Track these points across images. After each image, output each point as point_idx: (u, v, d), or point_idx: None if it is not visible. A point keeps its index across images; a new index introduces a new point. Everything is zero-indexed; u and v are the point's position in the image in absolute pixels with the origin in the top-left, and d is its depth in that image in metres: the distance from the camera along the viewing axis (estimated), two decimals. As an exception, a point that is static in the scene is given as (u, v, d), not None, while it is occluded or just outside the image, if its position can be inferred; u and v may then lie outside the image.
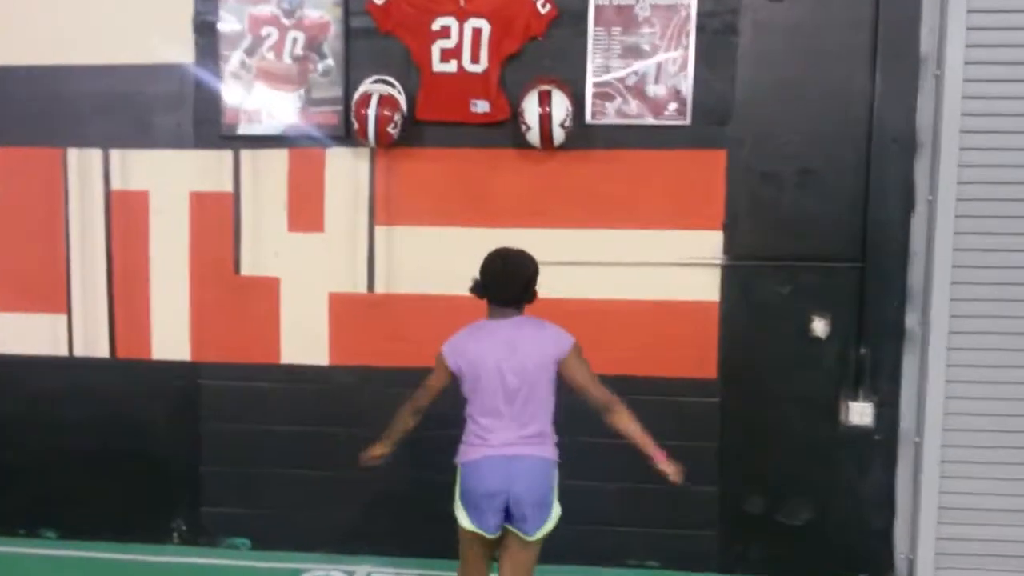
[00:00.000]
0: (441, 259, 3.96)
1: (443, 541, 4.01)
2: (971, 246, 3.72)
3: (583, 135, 3.83)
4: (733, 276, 3.87)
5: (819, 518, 3.95)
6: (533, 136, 3.70)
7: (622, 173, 3.87)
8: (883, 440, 3.89)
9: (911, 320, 3.83)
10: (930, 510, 3.84)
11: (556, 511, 2.95)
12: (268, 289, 4.06)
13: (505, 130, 3.86)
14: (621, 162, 3.86)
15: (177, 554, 4.15)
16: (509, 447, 2.90)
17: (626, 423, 2.95)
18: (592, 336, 3.68)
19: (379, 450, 3.25)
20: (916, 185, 3.77)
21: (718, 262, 3.85)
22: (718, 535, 3.97)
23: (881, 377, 3.86)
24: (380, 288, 4.00)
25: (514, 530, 2.92)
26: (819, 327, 3.84)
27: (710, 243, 3.85)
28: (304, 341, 4.07)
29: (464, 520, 2.99)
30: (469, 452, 3.02)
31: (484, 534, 2.94)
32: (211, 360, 4.13)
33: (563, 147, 3.78)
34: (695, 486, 3.92)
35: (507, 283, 2.98)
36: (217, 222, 4.06)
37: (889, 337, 3.85)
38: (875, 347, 3.84)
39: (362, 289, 4.00)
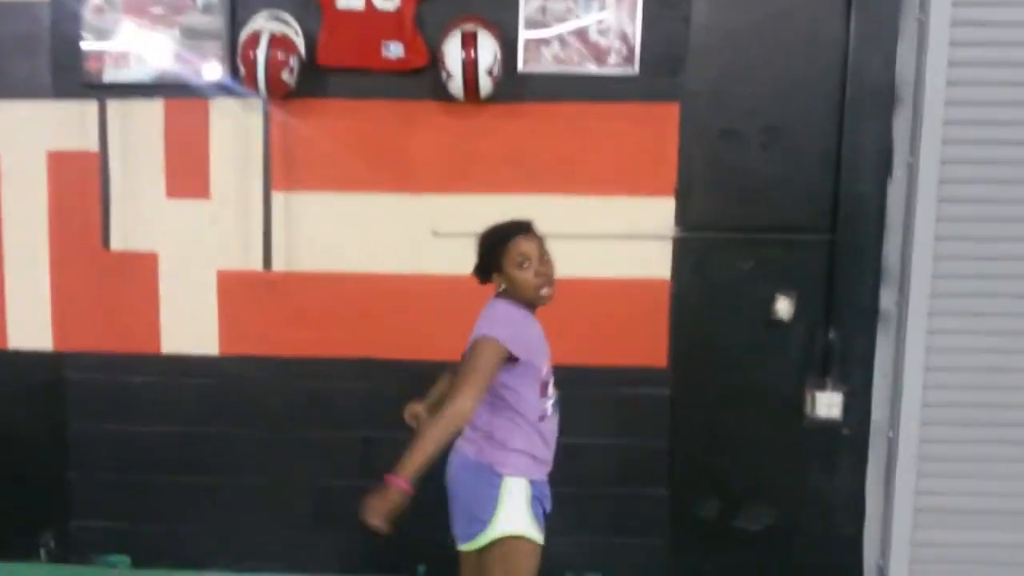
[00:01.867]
0: (350, 231, 3.50)
1: (350, 557, 3.63)
2: (956, 216, 3.35)
3: (514, 86, 3.37)
4: (686, 250, 3.47)
5: (781, 523, 3.60)
6: (455, 85, 3.22)
7: (559, 130, 3.43)
8: (853, 434, 3.55)
9: (886, 300, 3.47)
10: (904, 512, 3.51)
11: (499, 529, 2.47)
12: (144, 266, 3.54)
13: (423, 79, 3.38)
14: (558, 117, 3.42)
15: (45, 574, 3.66)
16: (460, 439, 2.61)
17: (426, 425, 2.44)
18: None
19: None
20: (895, 146, 3.40)
21: (669, 234, 3.44)
22: (668, 544, 3.60)
23: (851, 364, 3.51)
24: (279, 265, 3.50)
25: None
26: (783, 308, 3.45)
27: (660, 212, 3.43)
28: (189, 327, 3.57)
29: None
30: None
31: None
32: (78, 349, 3.60)
33: (491, 99, 3.33)
34: (643, 488, 3.59)
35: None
36: (81, 188, 3.51)
37: (861, 319, 3.49)
38: (845, 330, 3.48)
39: (257, 266, 3.50)
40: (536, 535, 2.49)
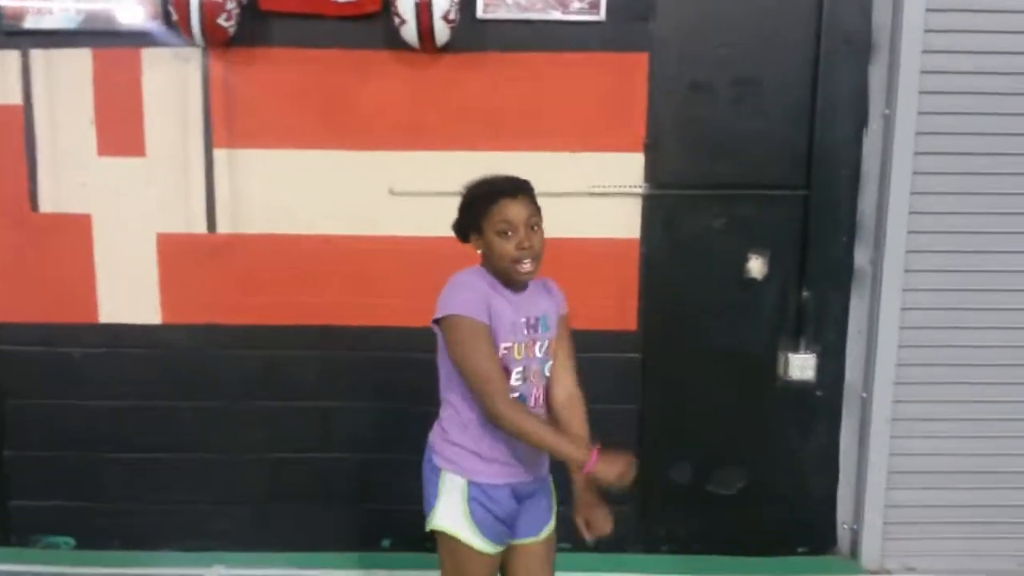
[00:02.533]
0: (300, 190, 3.30)
1: (310, 532, 3.49)
2: (933, 168, 3.25)
3: (473, 33, 3.18)
4: (656, 208, 3.32)
5: (753, 487, 3.52)
6: (409, 32, 3.01)
7: (521, 82, 3.23)
8: (826, 396, 3.47)
9: (861, 257, 3.37)
10: (878, 473, 3.45)
11: (435, 522, 2.26)
12: (77, 229, 3.30)
13: (375, 25, 3.16)
14: (520, 68, 3.22)
15: (-18, 559, 3.45)
16: None
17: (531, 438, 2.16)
18: None
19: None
20: (871, 97, 3.27)
21: (638, 191, 3.29)
22: (639, 510, 3.50)
23: (825, 324, 3.42)
24: (223, 227, 3.29)
25: None
26: (756, 267, 3.34)
27: (628, 168, 3.28)
28: (127, 295, 3.34)
29: None
30: None
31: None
32: (8, 320, 3.37)
33: (448, 48, 3.13)
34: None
35: None
36: (5, 145, 3.25)
37: (835, 277, 3.40)
38: (819, 289, 3.38)
39: (200, 229, 3.28)
40: (475, 540, 2.19)
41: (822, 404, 3.46)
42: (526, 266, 2.14)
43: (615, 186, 3.28)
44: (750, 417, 3.48)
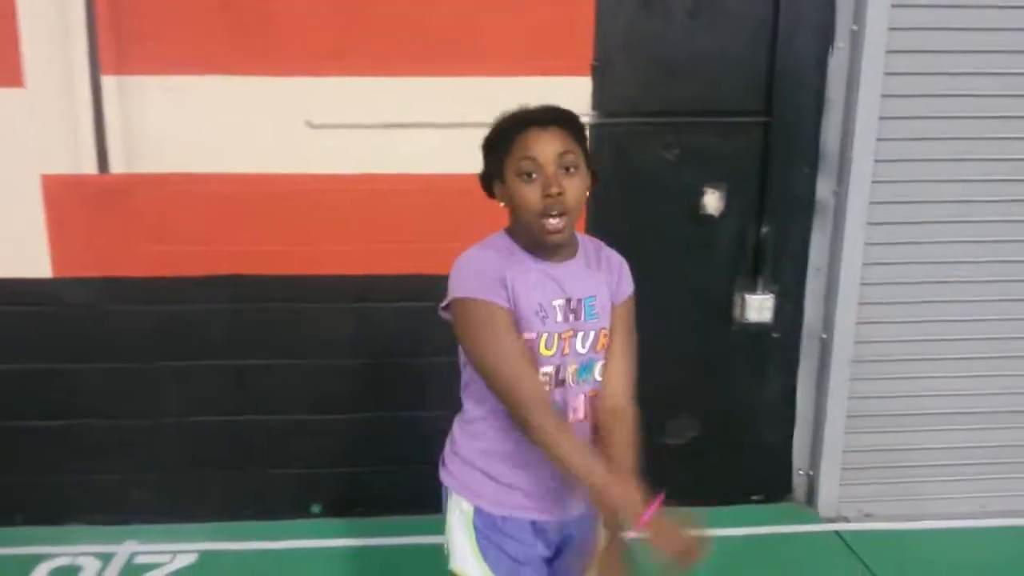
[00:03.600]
0: (204, 123, 2.94)
1: (232, 501, 3.21)
2: (903, 90, 3.04)
3: (401, -59, 2.83)
4: (605, 138, 3.05)
5: (707, 436, 3.37)
6: (323, -63, 2.63)
7: (454, -3, 2.91)
8: (783, 338, 3.30)
9: (823, 189, 3.17)
10: (836, 418, 3.32)
11: (448, 554, 1.78)
12: (-54, 172, 2.91)
13: (287, -69, 2.80)
14: (453, -19, 2.90)
15: None
16: None
17: (557, 451, 1.63)
18: (418, 223, 2.99)
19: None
20: (837, 10, 3.03)
21: (585, 119, 2.95)
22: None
23: (784, 262, 3.24)
24: (118, 167, 2.92)
25: None
26: (712, 202, 3.11)
27: (574, 94, 2.98)
28: (10, 245, 2.98)
29: None
30: None
31: None
32: None
33: (371, -43, 2.78)
34: None
35: None
36: None
37: (795, 212, 3.20)
38: (778, 225, 3.18)
39: (90, 169, 2.90)
40: None
41: (779, 347, 3.31)
42: (554, 222, 1.58)
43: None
44: (705, 362, 3.30)
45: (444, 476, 1.78)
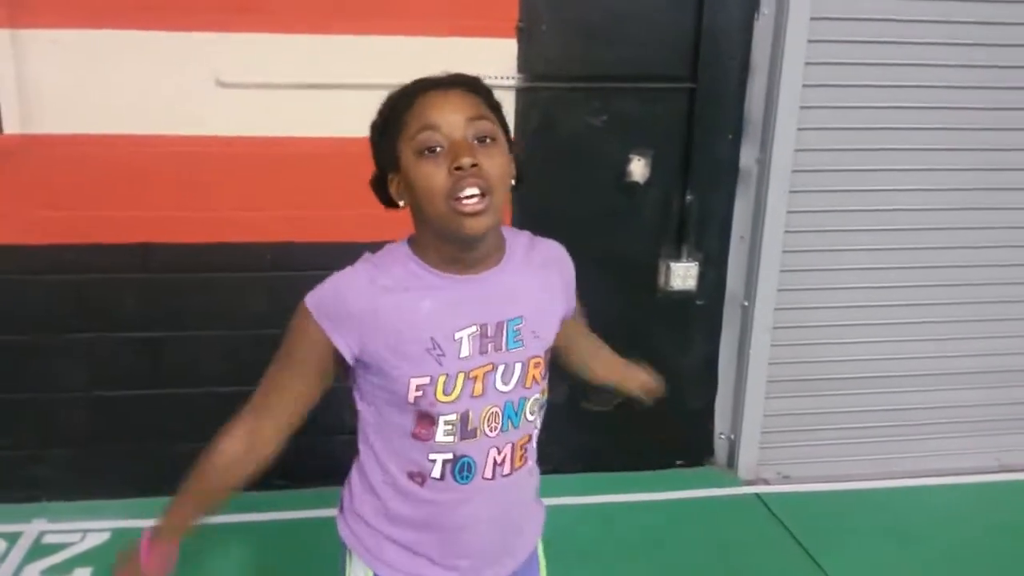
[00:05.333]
0: (106, 81, 2.75)
1: (148, 475, 3.08)
2: (826, 57, 3.03)
3: None
4: (531, 102, 2.97)
5: (629, 402, 3.32)
6: None
7: (373, -51, 2.78)
8: (706, 306, 3.32)
9: (747, 156, 3.16)
10: (757, 383, 3.36)
11: None
12: None
13: None
14: (371, -69, 2.76)
15: None
16: None
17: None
18: (336, 188, 2.83)
19: None
20: (763, -24, 3.01)
21: (510, 83, 2.92)
22: (507, 432, 3.26)
23: (708, 230, 3.23)
24: (12, 127, 2.72)
25: None
26: (637, 169, 3.07)
27: (499, 56, 2.90)
28: None
29: None
30: None
31: None
32: None
33: (282, -97, 2.62)
34: None
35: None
36: None
37: (720, 179, 3.19)
38: (703, 193, 3.17)
39: (-19, 129, 2.71)
40: None
41: (703, 314, 3.32)
42: (471, 201, 1.21)
43: (484, 77, 2.87)
44: (629, 330, 3.18)
45: (342, 531, 1.46)
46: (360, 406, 1.38)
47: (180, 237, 2.89)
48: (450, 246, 1.28)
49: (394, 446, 1.35)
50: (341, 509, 1.48)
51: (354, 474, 1.46)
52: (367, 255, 1.35)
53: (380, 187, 1.34)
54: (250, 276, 2.93)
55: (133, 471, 3.10)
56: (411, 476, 1.34)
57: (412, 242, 1.34)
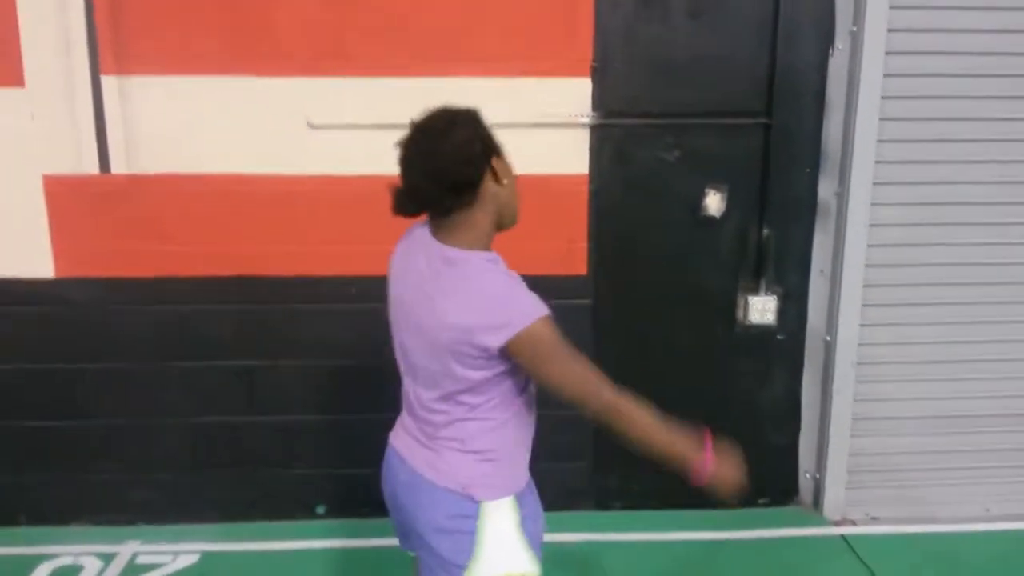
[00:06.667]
0: (205, 124, 2.98)
1: (235, 501, 3.22)
2: (903, 92, 3.05)
3: (395, -61, 2.88)
4: (606, 139, 3.07)
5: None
6: (322, -61, 2.64)
7: (452, -3, 2.95)
8: (787, 340, 3.30)
9: (825, 190, 3.17)
10: (842, 421, 3.32)
11: (485, 570, 1.72)
12: (-51, 172, 2.96)
13: (283, -70, 2.84)
14: (451, -19, 2.93)
15: None
16: (407, 442, 1.84)
17: (638, 430, 1.77)
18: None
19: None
20: (837, 12, 3.03)
21: (585, 121, 3.01)
22: (591, 466, 3.33)
23: (787, 264, 3.24)
24: (119, 167, 2.96)
25: None
26: (713, 204, 3.11)
27: (574, 95, 3.01)
28: (13, 246, 3.02)
29: None
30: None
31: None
32: None
33: (369, -41, 2.82)
34: (564, 409, 3.25)
35: (411, 170, 1.66)
36: None
37: (798, 213, 3.20)
38: (780, 227, 3.19)
39: (92, 169, 2.94)
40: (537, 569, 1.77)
41: (783, 349, 3.31)
42: None
43: (560, 116, 3.00)
44: (708, 364, 3.30)
45: (477, 493, 1.71)
46: (504, 386, 1.69)
47: (272, 270, 3.06)
48: (494, 235, 1.73)
49: (518, 401, 1.74)
50: (460, 489, 1.72)
51: (462, 442, 1.72)
52: (488, 264, 1.67)
53: (453, 198, 1.64)
54: (337, 307, 3.07)
55: (223, 497, 3.25)
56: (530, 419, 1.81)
57: (486, 245, 1.71)
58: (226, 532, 3.20)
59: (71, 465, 3.19)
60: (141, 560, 3.04)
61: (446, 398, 1.70)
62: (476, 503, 1.71)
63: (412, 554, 1.88)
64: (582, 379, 1.66)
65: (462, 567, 1.70)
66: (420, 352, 1.70)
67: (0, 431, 3.15)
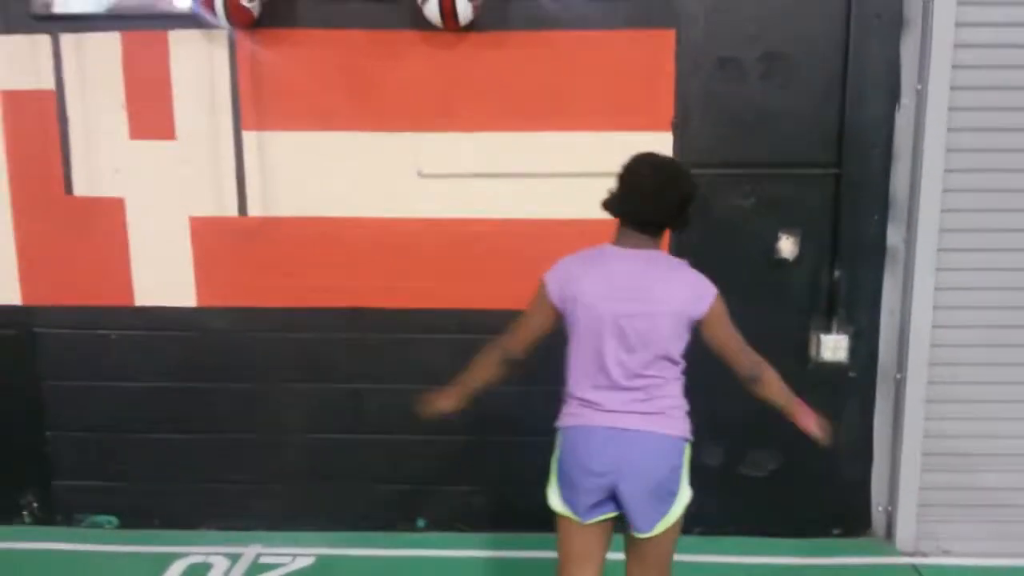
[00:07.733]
0: (329, 173, 3.37)
1: (345, 512, 3.54)
2: (966, 146, 3.24)
3: (498, 12, 3.22)
4: (685, 187, 3.28)
5: (786, 469, 3.54)
6: (432, 10, 3.07)
7: (547, 61, 3.27)
8: (859, 377, 3.48)
9: (893, 236, 3.37)
10: (912, 456, 3.46)
11: (684, 497, 2.38)
12: (110, 212, 3.40)
13: (401, 5, 3.22)
14: (546, 46, 3.26)
15: (29, 537, 3.57)
16: (621, 417, 2.30)
17: (775, 392, 2.55)
18: (514, 263, 3.29)
19: (446, 402, 2.55)
20: (903, 71, 3.25)
21: (667, 170, 3.25)
22: (669, 492, 3.48)
23: (858, 304, 3.43)
24: (254, 210, 3.38)
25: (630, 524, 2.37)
26: (786, 247, 3.33)
27: (657, 147, 3.17)
28: (163, 278, 3.45)
29: (555, 500, 2.38)
30: (568, 418, 2.38)
31: (576, 519, 2.34)
32: (47, 303, 3.49)
33: (473, 27, 3.19)
34: None
35: (657, 198, 2.32)
36: (39, 129, 3.36)
37: (867, 257, 3.40)
38: (851, 269, 3.39)
39: (231, 211, 3.37)
40: None
41: (855, 385, 3.47)
42: None
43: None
44: None
45: (685, 430, 2.40)
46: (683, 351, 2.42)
47: (384, 303, 3.41)
48: None
49: None
50: (679, 433, 2.37)
51: (675, 397, 2.42)
52: (674, 256, 2.57)
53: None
54: (440, 338, 3.38)
55: (335, 508, 3.58)
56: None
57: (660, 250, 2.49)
58: (338, 539, 3.52)
59: (201, 474, 3.57)
60: (264, 560, 3.39)
61: (661, 363, 2.33)
62: (686, 442, 2.38)
63: (596, 520, 2.33)
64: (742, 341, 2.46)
65: (675, 493, 2.33)
66: (641, 328, 2.28)
67: (142, 441, 3.55)
